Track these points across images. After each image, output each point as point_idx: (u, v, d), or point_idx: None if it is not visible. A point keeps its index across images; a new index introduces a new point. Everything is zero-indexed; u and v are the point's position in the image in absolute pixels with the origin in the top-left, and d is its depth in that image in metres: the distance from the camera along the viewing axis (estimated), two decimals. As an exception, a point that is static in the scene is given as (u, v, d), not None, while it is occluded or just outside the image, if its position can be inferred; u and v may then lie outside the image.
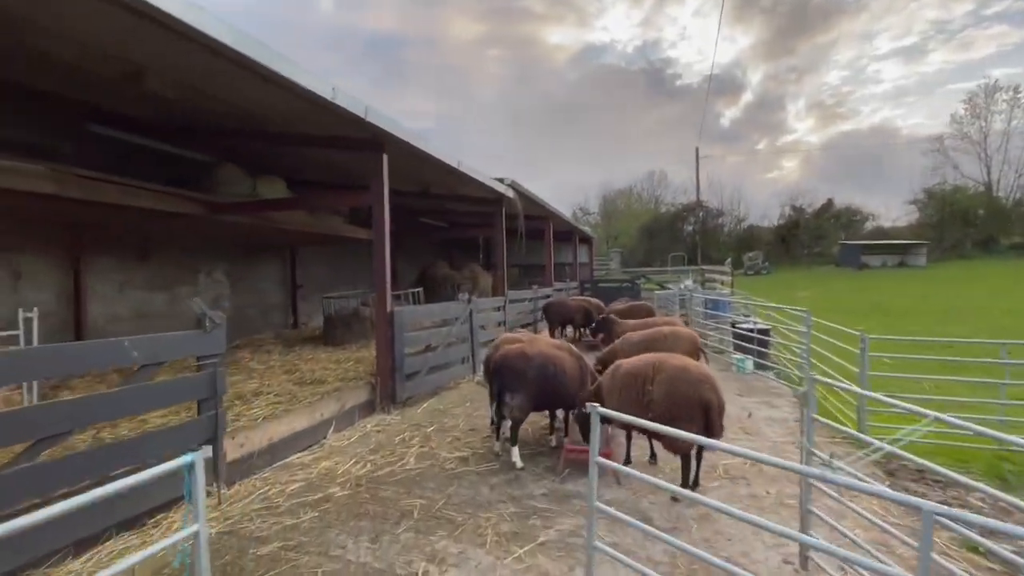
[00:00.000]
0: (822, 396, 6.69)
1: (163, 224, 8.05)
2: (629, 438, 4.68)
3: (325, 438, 5.41)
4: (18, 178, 5.15)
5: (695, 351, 6.29)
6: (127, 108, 7.21)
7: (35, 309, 5.22)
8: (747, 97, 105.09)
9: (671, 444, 4.10)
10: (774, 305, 9.15)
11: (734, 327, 9.46)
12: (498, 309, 10.70)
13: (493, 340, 10.52)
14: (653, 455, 4.76)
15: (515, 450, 4.59)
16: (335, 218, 10.69)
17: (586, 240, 25.37)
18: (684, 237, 44.19)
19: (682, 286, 14.97)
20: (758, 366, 8.79)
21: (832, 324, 6.75)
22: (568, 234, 21.03)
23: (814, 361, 6.85)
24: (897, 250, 39.58)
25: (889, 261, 39.08)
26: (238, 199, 7.85)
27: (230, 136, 7.44)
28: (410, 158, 7.51)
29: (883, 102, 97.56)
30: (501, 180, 10.72)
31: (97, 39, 4.53)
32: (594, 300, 14.04)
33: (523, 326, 13.05)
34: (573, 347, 5.37)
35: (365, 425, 5.86)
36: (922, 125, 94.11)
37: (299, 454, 4.96)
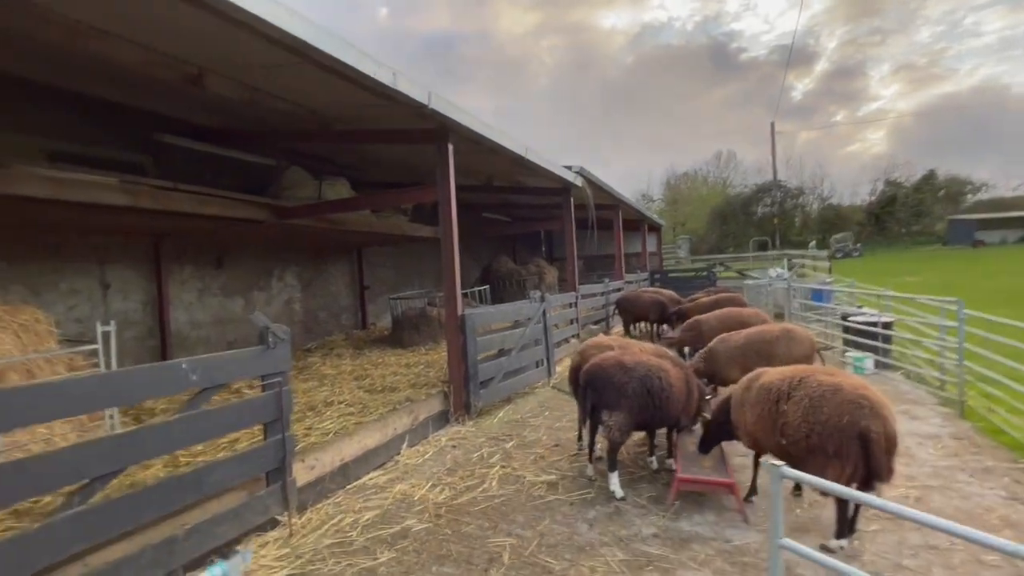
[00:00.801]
0: (982, 404, 5.50)
1: (235, 231, 8.06)
2: (757, 464, 3.88)
3: (399, 454, 5.01)
4: (93, 191, 5.11)
5: (811, 355, 5.32)
6: (193, 116, 7.21)
7: (112, 323, 5.18)
8: (822, 66, 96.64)
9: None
10: (905, 296, 7.81)
11: (846, 320, 8.21)
12: (570, 306, 10.02)
13: (568, 340, 9.93)
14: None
15: (614, 477, 3.93)
16: (398, 217, 10.44)
17: (655, 228, 24.02)
18: (759, 220, 41.10)
19: (773, 273, 13.53)
20: (879, 366, 7.55)
21: (990, 316, 5.50)
22: (636, 223, 19.88)
23: (968, 364, 5.63)
24: (1018, 224, 34.57)
25: (1010, 237, 34.20)
26: (304, 202, 7.70)
27: (294, 138, 7.26)
28: (473, 148, 6.99)
29: (985, 57, 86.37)
30: (569, 167, 10.01)
31: (157, 38, 4.33)
32: (667, 292, 13.03)
33: (595, 323, 12.30)
34: (674, 354, 4.63)
35: (440, 439, 5.42)
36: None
37: (373, 473, 4.58)
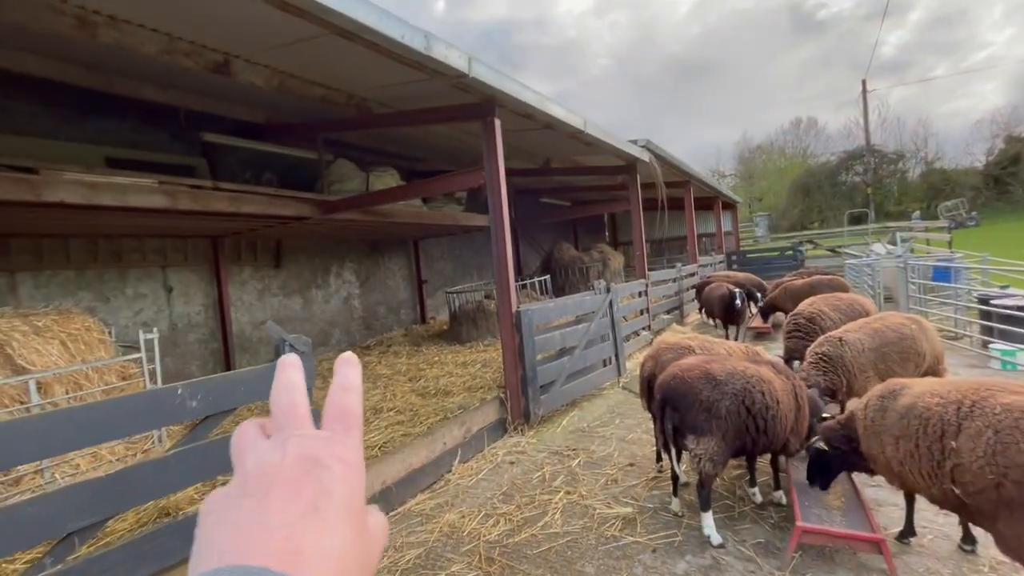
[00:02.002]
0: None
1: (288, 229, 7.88)
2: (912, 501, 2.92)
3: (450, 471, 4.45)
4: (130, 194, 4.92)
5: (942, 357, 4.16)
6: (236, 112, 7.00)
7: (155, 330, 5.01)
8: (916, 16, 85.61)
9: (1011, 546, 2.31)
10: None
11: (987, 304, 6.69)
12: (640, 295, 9.07)
13: (637, 333, 9.01)
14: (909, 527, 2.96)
15: (708, 519, 3.11)
16: (452, 206, 9.93)
17: (730, 206, 22.07)
18: (849, 190, 36.93)
19: (881, 250, 11.71)
20: (1037, 360, 6.05)
21: None
22: (709, 200, 18.25)
23: None
24: None
25: None
26: (352, 195, 7.33)
27: (335, 127, 6.88)
28: (525, 124, 6.26)
29: None
30: (634, 142, 9.00)
31: (173, 24, 3.97)
32: (753, 277, 11.64)
33: (667, 312, 11.21)
34: (777, 360, 3.69)
35: (496, 452, 4.81)
36: None
37: (419, 497, 4.05)
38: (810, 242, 20.24)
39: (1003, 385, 2.59)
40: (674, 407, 3.21)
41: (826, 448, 3.22)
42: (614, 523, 3.42)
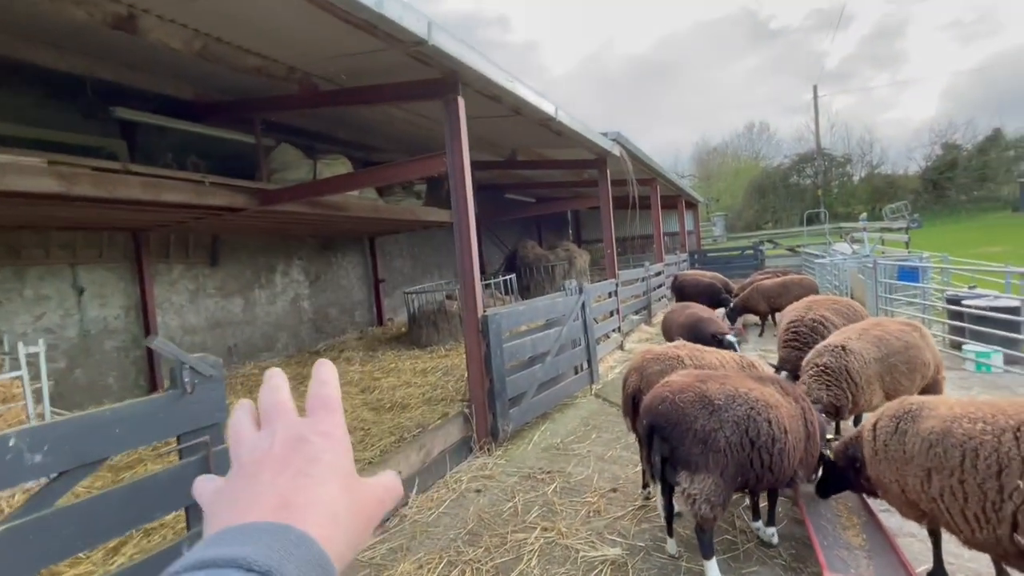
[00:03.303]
0: None
1: (224, 222, 6.97)
2: (938, 541, 2.53)
3: (405, 505, 3.82)
4: (9, 176, 4.01)
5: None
6: (160, 86, 6.08)
7: (41, 342, 4.14)
8: (858, 29, 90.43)
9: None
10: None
11: (959, 305, 6.62)
12: (610, 295, 8.66)
13: (607, 335, 8.57)
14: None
15: (713, 568, 2.62)
16: (411, 200, 9.23)
17: (692, 205, 22.19)
18: (801, 192, 38.21)
19: (847, 249, 11.79)
20: (1010, 361, 5.98)
21: None
22: (673, 199, 18.19)
23: None
24: (1098, 185, 31.01)
25: (1089, 200, 30.81)
26: (295, 184, 6.52)
27: (275, 106, 6.07)
28: (491, 107, 5.67)
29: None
30: (605, 134, 8.56)
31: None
32: (720, 276, 11.48)
33: (635, 312, 10.88)
34: (784, 379, 3.26)
35: (459, 479, 4.20)
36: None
37: (369, 540, 3.40)
38: (770, 241, 20.57)
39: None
40: (663, 437, 2.71)
41: (832, 459, 2.83)
42: (601, 570, 2.89)
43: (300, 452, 0.42)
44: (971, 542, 2.26)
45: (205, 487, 0.45)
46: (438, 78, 4.58)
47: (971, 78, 65.48)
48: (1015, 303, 6.29)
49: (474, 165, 5.54)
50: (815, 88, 34.81)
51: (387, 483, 0.48)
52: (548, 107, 5.97)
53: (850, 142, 40.95)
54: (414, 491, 3.93)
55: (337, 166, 7.10)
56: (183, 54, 4.44)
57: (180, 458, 2.25)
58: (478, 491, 4.00)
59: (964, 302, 6.54)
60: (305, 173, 6.92)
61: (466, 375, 4.96)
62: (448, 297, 9.33)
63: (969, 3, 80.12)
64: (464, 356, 4.96)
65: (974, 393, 5.36)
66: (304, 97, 5.29)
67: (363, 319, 11.74)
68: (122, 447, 2.03)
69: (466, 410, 4.77)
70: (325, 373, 0.52)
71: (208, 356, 2.32)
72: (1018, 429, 2.11)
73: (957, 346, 6.61)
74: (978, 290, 7.06)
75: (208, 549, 0.34)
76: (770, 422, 2.67)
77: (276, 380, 0.51)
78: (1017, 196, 31.54)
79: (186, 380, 2.21)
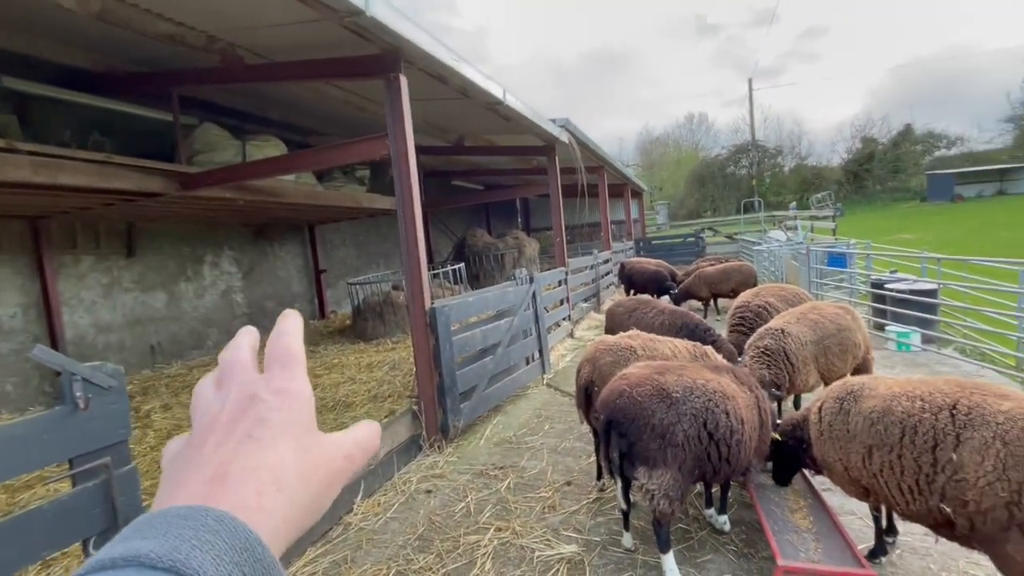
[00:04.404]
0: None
1: (135, 208, 6.29)
2: (880, 514, 2.61)
3: (350, 512, 3.58)
4: None
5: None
6: (44, 50, 5.34)
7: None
8: (788, 27, 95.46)
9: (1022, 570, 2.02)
10: (958, 258, 6.68)
11: (882, 288, 7.06)
12: (560, 284, 8.63)
13: (558, 324, 8.53)
14: (890, 530, 2.73)
15: (670, 561, 2.59)
16: (353, 186, 8.76)
17: (637, 194, 22.66)
18: (737, 182, 40.11)
19: (781, 236, 12.36)
20: (926, 341, 6.46)
21: None
22: (620, 188, 18.47)
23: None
24: (993, 177, 34.44)
25: (986, 190, 34.06)
26: (220, 167, 5.97)
27: (194, 79, 5.49)
28: (436, 88, 5.39)
29: (960, 12, 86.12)
30: (553, 121, 8.44)
31: None
32: (665, 263, 11.77)
33: (584, 300, 10.96)
34: (738, 368, 3.28)
35: (408, 480, 4.00)
36: (1017, 32, 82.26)
37: (308, 553, 3.15)
38: (710, 229, 21.37)
39: (981, 386, 2.31)
40: (621, 432, 2.64)
41: (781, 439, 2.88)
42: (558, 570, 2.81)
43: (249, 414, 0.39)
44: (906, 513, 2.35)
45: (167, 453, 0.41)
46: (378, 54, 4.26)
47: (889, 77, 70.92)
48: (932, 286, 6.78)
49: (420, 150, 5.27)
50: (750, 81, 36.38)
51: (359, 436, 0.44)
52: (496, 89, 5.76)
53: (781, 135, 43.32)
54: (359, 496, 3.69)
55: (269, 148, 6.56)
56: (79, 15, 3.88)
57: (73, 484, 1.92)
58: (428, 492, 3.82)
59: (887, 286, 6.98)
60: (232, 155, 6.34)
61: (415, 371, 4.73)
62: (395, 288, 8.99)
63: (893, 7, 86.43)
64: (412, 349, 4.72)
65: (897, 372, 5.72)
66: (227, 70, 4.79)
67: (304, 312, 11.13)
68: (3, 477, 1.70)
69: (414, 407, 4.56)
70: (286, 323, 0.47)
71: (106, 364, 1.99)
72: (953, 407, 2.19)
73: (880, 327, 7.07)
74: (899, 274, 7.56)
75: (114, 547, 0.30)
76: (727, 413, 2.66)
77: (239, 340, 0.46)
78: (924, 187, 34.58)
79: (78, 394, 1.88)
